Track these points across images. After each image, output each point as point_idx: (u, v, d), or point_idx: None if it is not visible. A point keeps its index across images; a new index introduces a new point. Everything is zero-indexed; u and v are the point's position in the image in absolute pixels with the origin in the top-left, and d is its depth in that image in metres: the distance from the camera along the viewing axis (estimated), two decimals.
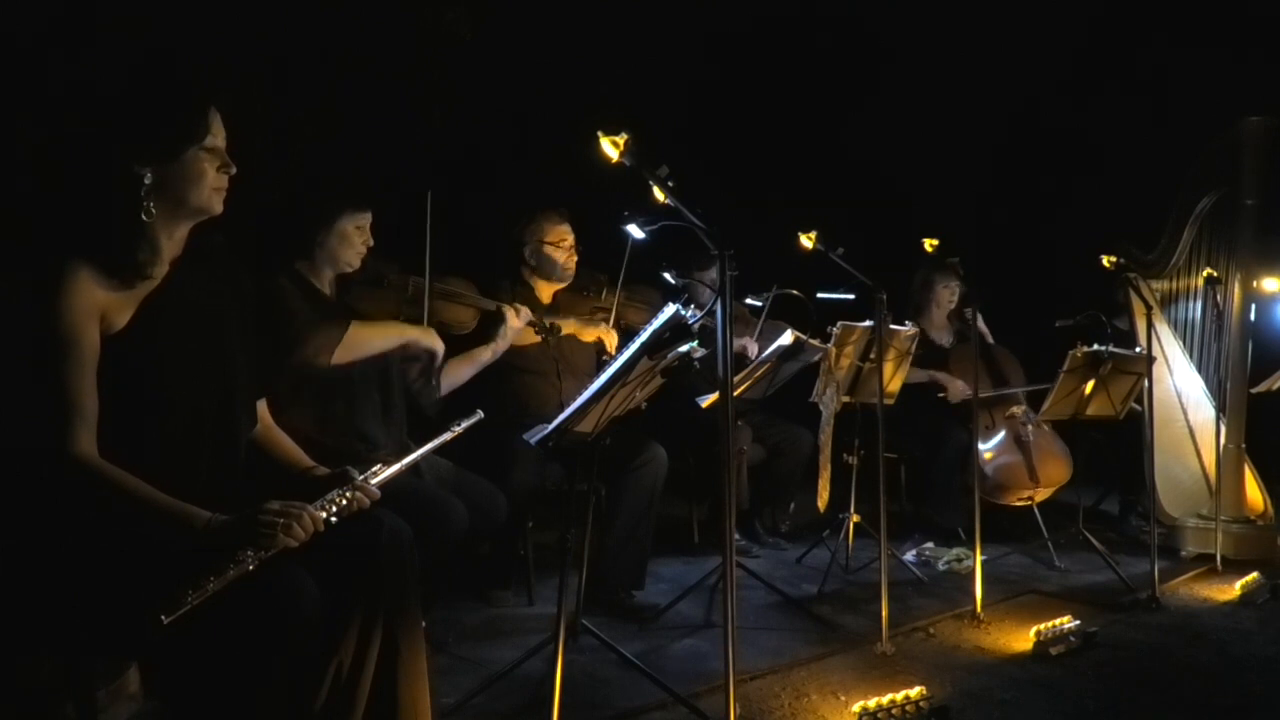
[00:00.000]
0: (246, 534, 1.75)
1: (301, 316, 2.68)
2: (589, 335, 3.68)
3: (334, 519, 1.88)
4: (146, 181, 1.83)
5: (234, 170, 1.93)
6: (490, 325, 3.31)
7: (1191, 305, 5.04)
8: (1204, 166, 4.80)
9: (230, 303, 2.04)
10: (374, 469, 2.05)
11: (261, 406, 2.18)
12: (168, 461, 1.86)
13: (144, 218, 1.83)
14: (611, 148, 2.16)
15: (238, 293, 2.07)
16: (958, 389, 4.69)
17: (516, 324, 3.32)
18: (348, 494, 1.94)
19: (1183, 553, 4.53)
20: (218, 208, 1.94)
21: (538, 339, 3.43)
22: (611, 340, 3.67)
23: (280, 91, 3.82)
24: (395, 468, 2.09)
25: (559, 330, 3.46)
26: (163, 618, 1.61)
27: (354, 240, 2.87)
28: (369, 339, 2.76)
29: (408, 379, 2.95)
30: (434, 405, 2.94)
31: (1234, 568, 4.21)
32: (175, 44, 3.34)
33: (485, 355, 3.29)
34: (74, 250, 1.80)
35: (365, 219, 2.89)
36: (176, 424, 1.89)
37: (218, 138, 1.90)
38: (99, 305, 1.81)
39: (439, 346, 2.92)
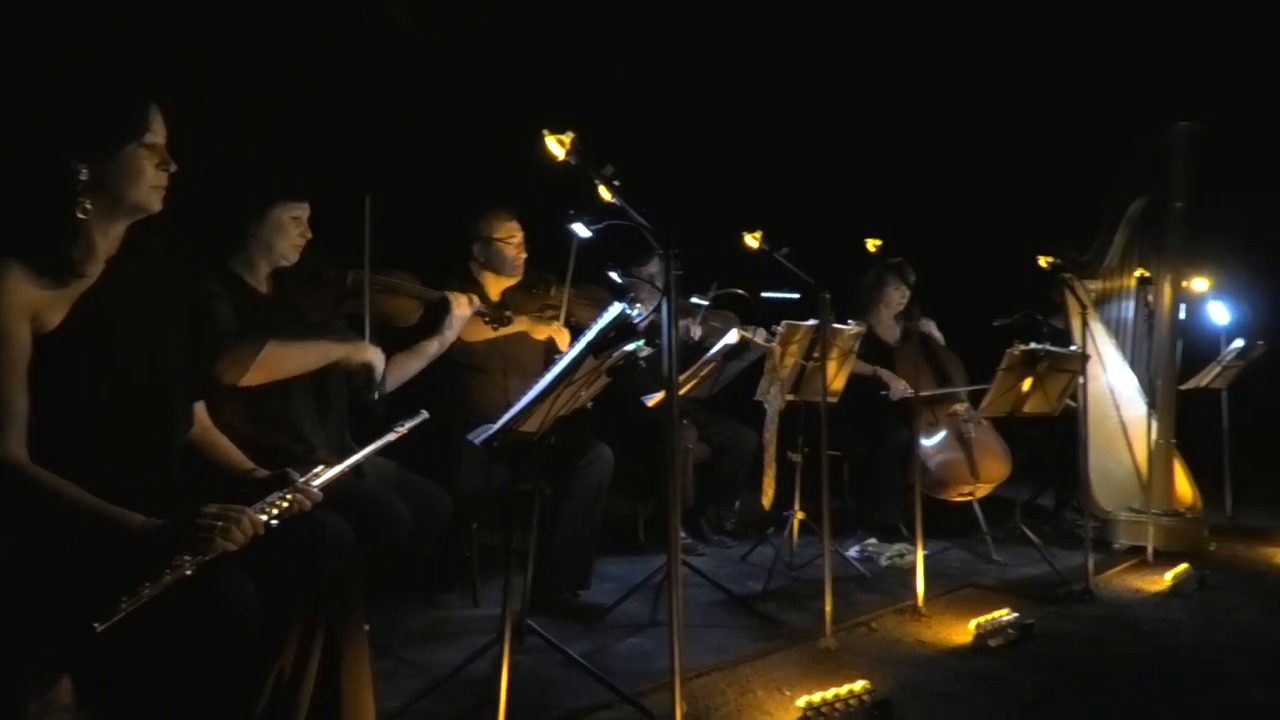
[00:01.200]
0: (183, 538, 1.72)
1: (221, 327, 2.57)
2: (541, 333, 3.66)
3: (274, 522, 1.85)
4: (83, 178, 1.79)
5: (174, 168, 1.89)
6: (436, 317, 3.26)
7: (1125, 305, 5.16)
8: (1135, 170, 4.92)
9: (167, 302, 2.00)
10: (315, 470, 2.02)
11: (199, 408, 2.14)
12: (101, 465, 1.82)
13: (79, 215, 1.79)
14: (558, 146, 2.16)
15: (174, 292, 2.03)
16: (900, 388, 4.76)
17: (463, 312, 3.27)
18: (288, 496, 1.91)
19: (1115, 545, 4.65)
20: (156, 206, 1.90)
21: (487, 330, 3.40)
22: (563, 338, 3.66)
23: (219, 81, 3.74)
24: (337, 469, 2.06)
25: (510, 319, 3.42)
26: (96, 626, 1.57)
27: (289, 231, 2.77)
28: (287, 360, 2.63)
29: (351, 379, 2.91)
30: (380, 404, 2.91)
31: (1164, 559, 4.32)
32: (115, 35, 3.26)
33: (432, 347, 3.24)
34: (5, 248, 1.75)
35: (302, 210, 2.80)
36: (110, 426, 1.85)
37: (158, 134, 1.87)
38: (31, 304, 1.76)
39: (372, 358, 2.83)
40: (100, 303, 1.85)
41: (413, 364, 3.20)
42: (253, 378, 2.55)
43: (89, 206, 1.80)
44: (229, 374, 2.52)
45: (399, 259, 3.27)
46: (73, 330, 1.81)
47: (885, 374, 4.81)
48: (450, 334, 3.26)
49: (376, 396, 2.84)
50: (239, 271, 2.77)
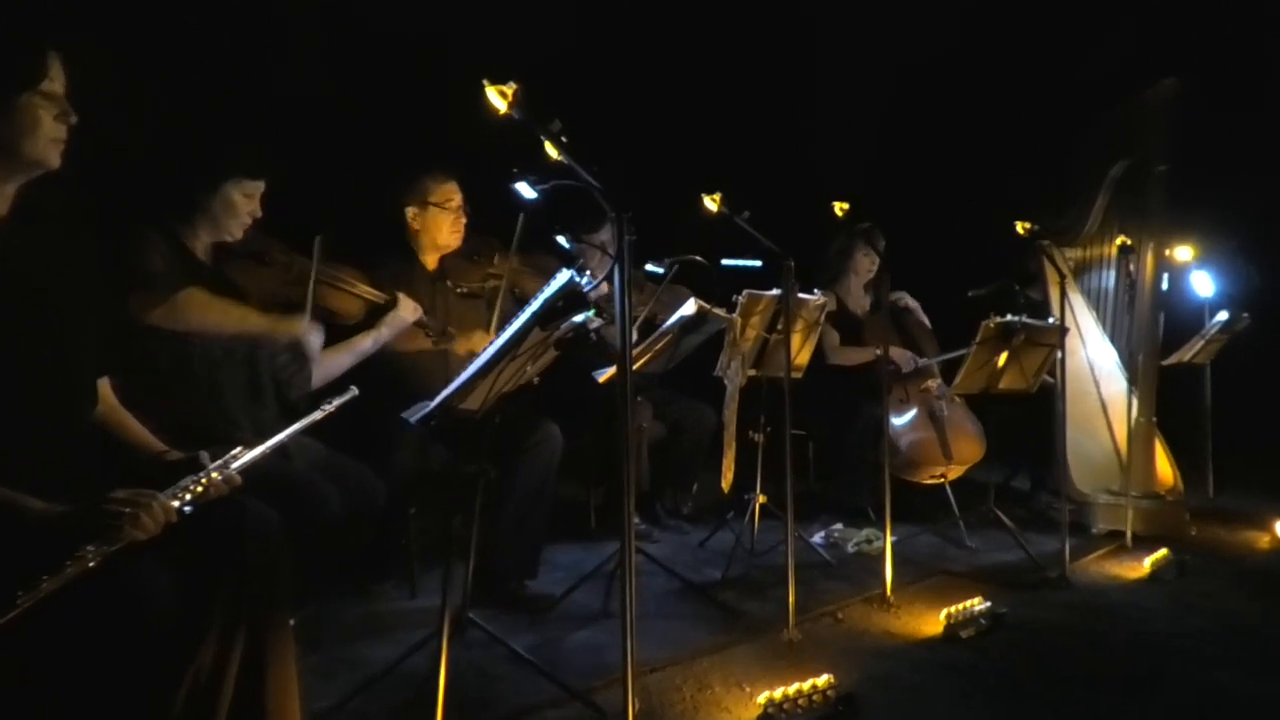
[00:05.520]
0: (88, 526, 1.69)
1: (142, 267, 2.60)
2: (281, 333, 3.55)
3: (189, 508, 1.83)
4: None
5: (74, 119, 1.83)
6: (378, 316, 3.26)
7: (1105, 274, 5.22)
8: (1116, 130, 4.96)
9: (67, 269, 1.95)
10: (234, 452, 2.00)
11: (104, 385, 2.09)
12: None
13: None
14: (499, 98, 2.12)
15: (77, 258, 1.98)
16: (906, 358, 4.78)
17: (407, 315, 3.28)
18: (204, 480, 1.88)
19: (1093, 529, 4.73)
20: (54, 161, 1.85)
21: (424, 342, 3.39)
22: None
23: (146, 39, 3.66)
24: (259, 450, 2.03)
25: (453, 337, 3.42)
26: None
27: (240, 209, 2.82)
28: (205, 311, 2.67)
29: (275, 364, 2.87)
30: (300, 395, 2.88)
31: (1144, 544, 4.41)
32: None
33: (366, 344, 3.23)
34: None
35: (256, 188, 2.83)
36: (4, 405, 1.80)
37: (55, 83, 1.81)
38: None
39: (301, 332, 2.85)
40: None
41: (343, 359, 3.19)
42: (163, 316, 2.59)
43: None
44: (140, 307, 2.55)
45: (347, 242, 3.25)
46: None
47: (896, 352, 4.81)
48: (388, 333, 3.26)
49: (304, 388, 2.83)
50: (179, 233, 2.78)
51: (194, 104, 3.77)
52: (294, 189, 3.02)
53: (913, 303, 5.17)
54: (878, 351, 4.58)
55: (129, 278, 2.57)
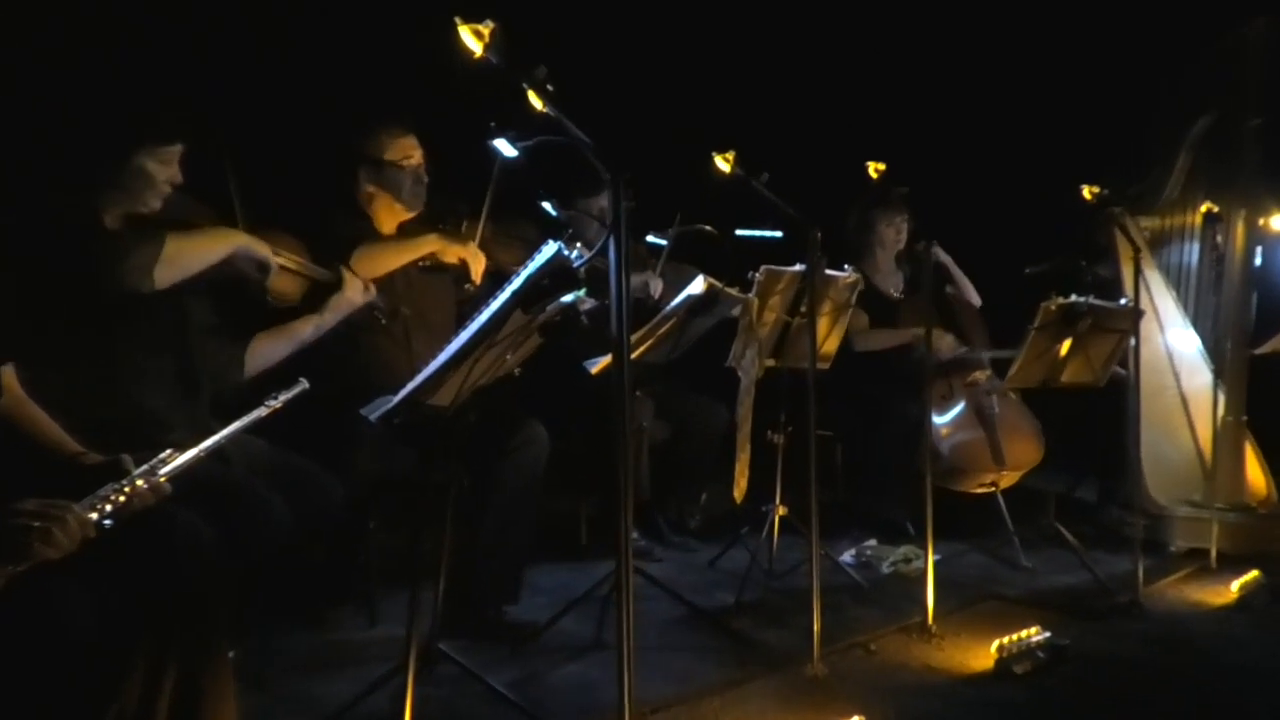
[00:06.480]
0: None
1: (106, 236, 2.64)
2: (451, 255, 3.61)
3: (109, 522, 1.83)
4: None
5: None
6: (321, 297, 3.25)
7: (1187, 248, 5.20)
8: (1200, 79, 4.94)
9: None
10: (163, 455, 2.00)
11: (8, 374, 2.09)
12: None
13: None
14: (474, 39, 2.11)
15: None
16: (948, 344, 4.77)
17: (354, 297, 3.27)
18: (128, 488, 1.88)
19: (1171, 548, 4.73)
20: None
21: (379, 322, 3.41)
22: (478, 264, 3.62)
23: None
24: (191, 453, 2.04)
25: (406, 318, 3.43)
26: None
27: (156, 178, 2.78)
28: (194, 250, 2.75)
29: (206, 349, 2.88)
30: (236, 388, 2.88)
31: (1231, 565, 4.39)
32: None
33: (305, 330, 3.22)
34: None
35: (171, 153, 2.81)
36: None
37: None
38: None
39: (270, 257, 2.92)
40: None
41: (279, 347, 3.19)
42: (163, 275, 2.64)
43: None
44: (144, 279, 2.60)
45: (280, 209, 3.24)
46: None
47: (938, 335, 4.74)
48: (331, 318, 3.25)
49: (238, 377, 2.85)
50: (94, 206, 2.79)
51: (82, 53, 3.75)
52: (224, 147, 3.01)
53: (945, 257, 5.14)
54: (917, 332, 4.58)
55: (97, 251, 2.60)
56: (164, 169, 2.79)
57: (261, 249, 2.92)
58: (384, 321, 3.39)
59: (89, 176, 2.75)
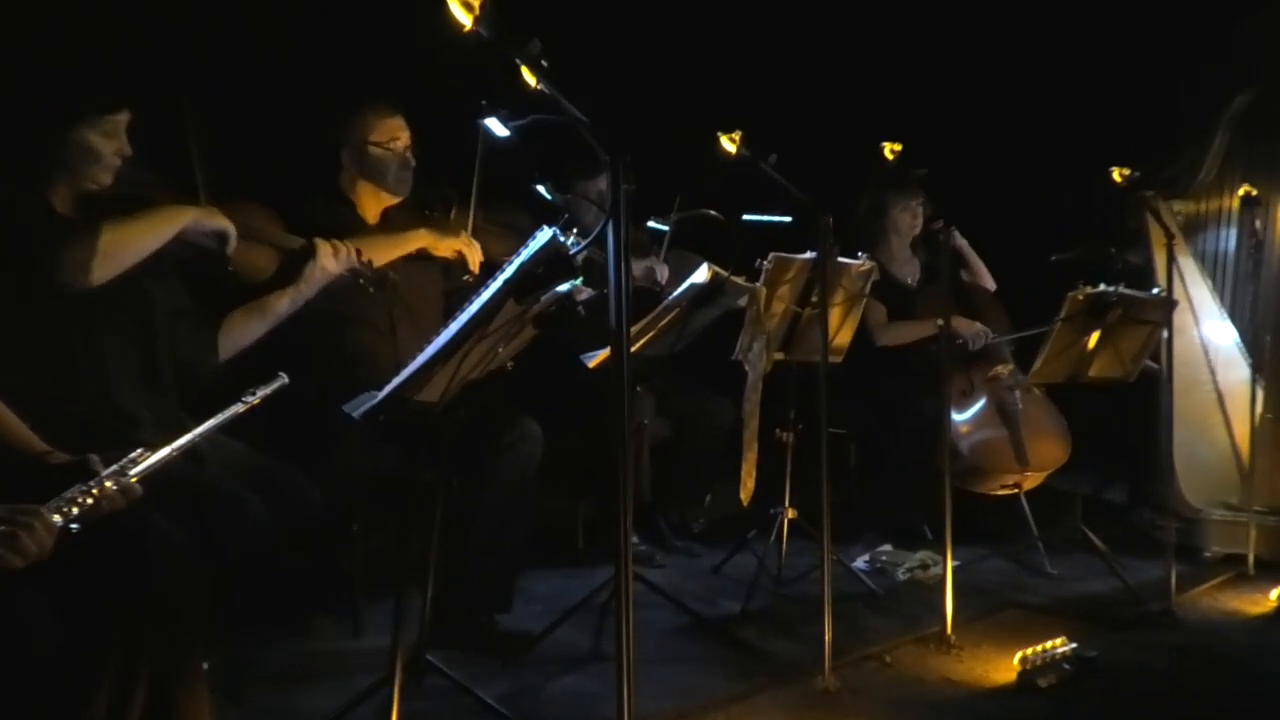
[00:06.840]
0: None
1: (50, 223, 2.61)
2: (444, 250, 3.62)
3: (76, 525, 1.83)
4: None
5: None
6: (296, 269, 3.25)
7: (1224, 234, 5.19)
8: (1239, 54, 4.94)
9: None
10: (133, 455, 2.00)
11: None
12: None
13: None
14: (463, 11, 2.12)
15: None
16: (976, 330, 4.76)
17: (330, 265, 3.26)
18: (95, 490, 1.89)
19: (1206, 553, 4.73)
20: None
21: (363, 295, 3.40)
22: (475, 255, 3.63)
23: None
24: (164, 452, 2.04)
25: (395, 285, 3.42)
26: None
27: (101, 151, 2.74)
28: (134, 238, 2.69)
29: (176, 334, 2.87)
30: (213, 373, 2.88)
31: (1269, 571, 4.42)
32: None
33: (281, 304, 3.21)
34: None
35: (116, 122, 2.78)
36: None
37: None
38: None
39: (228, 226, 2.89)
40: None
41: (254, 324, 3.17)
42: (103, 271, 2.60)
43: None
44: (80, 276, 2.56)
45: (251, 186, 3.23)
46: None
47: (961, 323, 4.79)
48: (308, 290, 3.24)
49: (211, 362, 2.84)
50: (37, 188, 2.77)
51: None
52: (188, 115, 3.00)
53: (961, 241, 5.13)
54: (939, 322, 4.57)
55: (29, 251, 2.56)
56: (109, 141, 2.74)
57: (217, 219, 2.89)
58: (371, 290, 3.36)
59: (28, 156, 2.73)
